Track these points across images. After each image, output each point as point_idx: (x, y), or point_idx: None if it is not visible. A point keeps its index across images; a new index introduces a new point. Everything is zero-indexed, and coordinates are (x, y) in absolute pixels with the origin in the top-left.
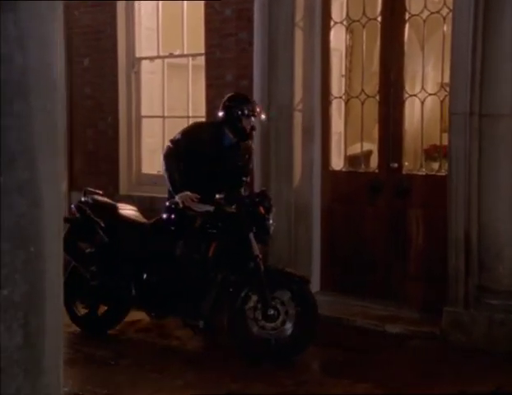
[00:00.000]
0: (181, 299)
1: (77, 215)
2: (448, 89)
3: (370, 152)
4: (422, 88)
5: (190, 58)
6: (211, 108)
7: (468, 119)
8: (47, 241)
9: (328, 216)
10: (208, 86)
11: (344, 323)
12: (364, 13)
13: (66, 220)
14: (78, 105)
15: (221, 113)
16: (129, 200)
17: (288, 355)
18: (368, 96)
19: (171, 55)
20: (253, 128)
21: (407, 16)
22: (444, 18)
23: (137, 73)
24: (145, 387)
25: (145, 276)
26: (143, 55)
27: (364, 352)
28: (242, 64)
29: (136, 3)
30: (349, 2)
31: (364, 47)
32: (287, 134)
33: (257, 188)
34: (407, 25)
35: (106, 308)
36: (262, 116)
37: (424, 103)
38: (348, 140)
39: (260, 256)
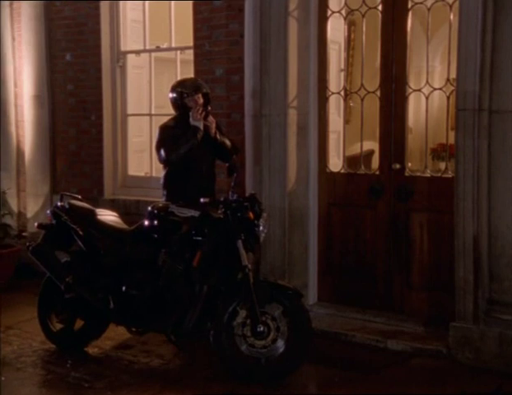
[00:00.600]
0: (163, 313)
1: (53, 221)
2: (455, 83)
3: (371, 152)
4: (427, 82)
5: (178, 52)
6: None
7: (477, 116)
8: None
9: (326, 222)
10: None
11: (342, 339)
12: (363, 2)
13: (40, 226)
14: (60, 103)
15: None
16: (114, 204)
17: (280, 375)
18: (368, 92)
19: (158, 49)
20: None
21: (409, 4)
22: (451, 6)
23: (123, 68)
24: None
25: (124, 287)
26: (128, 49)
27: (363, 371)
28: (233, 58)
29: None
30: None
31: (364, 38)
32: (281, 133)
33: (247, 192)
34: (410, 15)
35: (83, 322)
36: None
37: (429, 98)
38: (347, 139)
39: (249, 266)
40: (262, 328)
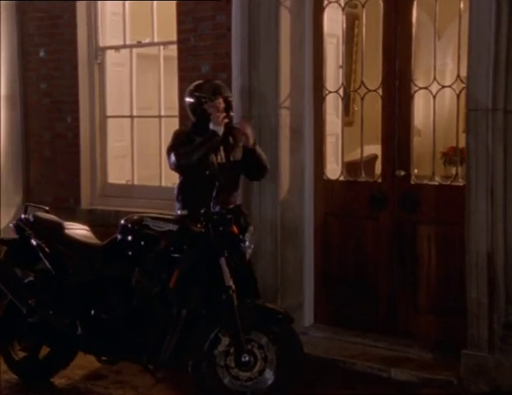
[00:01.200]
0: (137, 340)
1: (16, 235)
2: (465, 80)
3: (374, 157)
4: (434, 79)
5: (161, 47)
6: (185, 105)
7: (491, 117)
8: None
9: (323, 235)
10: (181, 80)
11: (341, 366)
12: None
13: (2, 242)
14: (33, 104)
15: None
16: (92, 214)
17: None
18: (369, 90)
19: (139, 44)
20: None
21: None
22: None
23: (101, 65)
24: None
25: (94, 310)
26: (108, 44)
27: None
28: (220, 53)
29: None
30: None
31: (364, 31)
32: (272, 136)
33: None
34: (415, 4)
35: (49, 350)
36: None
37: (436, 97)
38: (347, 143)
39: (233, 287)
40: (247, 358)
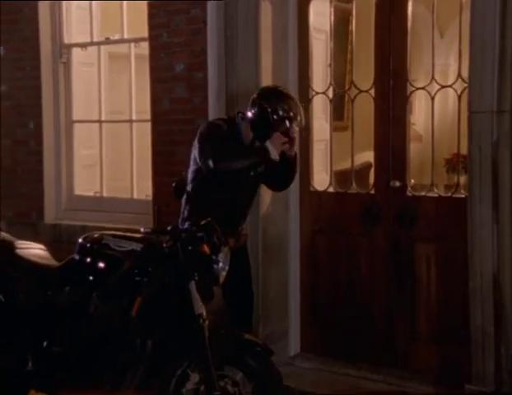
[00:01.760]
0: (95, 377)
1: None
2: (467, 79)
3: (368, 166)
4: (433, 78)
5: (132, 45)
6: (157, 109)
7: (496, 120)
8: None
9: (310, 254)
10: (153, 80)
11: None
12: None
13: None
14: None
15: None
16: (57, 230)
17: None
18: (360, 91)
19: (108, 41)
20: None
21: None
22: None
23: (67, 65)
24: None
25: (46, 342)
26: (73, 41)
27: None
28: (196, 50)
29: None
30: None
31: (354, 25)
32: None
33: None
34: None
35: None
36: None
37: (435, 98)
38: (340, 150)
39: (205, 314)
40: None
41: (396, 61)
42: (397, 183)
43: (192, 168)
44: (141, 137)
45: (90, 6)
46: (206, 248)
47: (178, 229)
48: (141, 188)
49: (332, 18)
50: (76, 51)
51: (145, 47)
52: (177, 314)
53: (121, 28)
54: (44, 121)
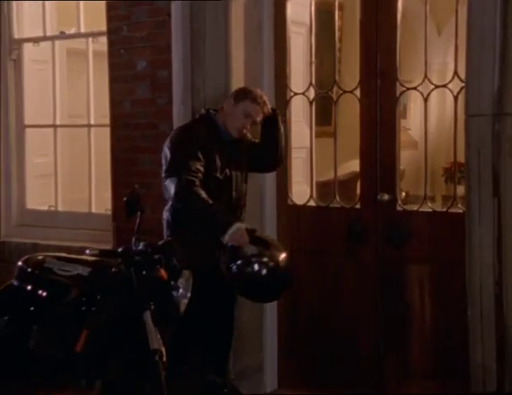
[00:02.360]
0: None
1: None
2: (464, 78)
3: (355, 176)
4: (425, 77)
5: (90, 40)
6: (117, 112)
7: (497, 124)
8: None
9: None
10: (112, 80)
11: None
12: None
13: None
14: None
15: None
16: (5, 248)
17: None
18: (344, 91)
19: (63, 35)
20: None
21: None
22: None
23: (17, 62)
24: None
25: None
26: (25, 36)
27: None
28: (160, 45)
29: None
30: None
31: (337, 18)
32: None
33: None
34: None
35: None
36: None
37: (428, 99)
38: (321, 158)
39: (162, 350)
40: None
41: (384, 57)
42: (386, 197)
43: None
44: (101, 144)
45: None
46: (163, 273)
47: (131, 250)
48: (101, 201)
49: (313, 9)
50: (27, 47)
51: (104, 42)
52: (129, 350)
53: (77, 21)
54: None
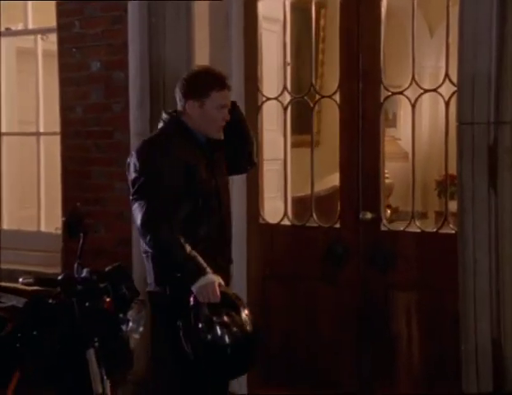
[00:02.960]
0: None
1: None
2: (456, 81)
3: (335, 192)
4: (413, 80)
5: (39, 37)
6: (68, 119)
7: (493, 133)
8: None
9: (259, 304)
10: (63, 83)
11: None
12: None
13: None
14: None
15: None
16: None
17: None
18: (322, 96)
19: (9, 31)
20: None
21: None
22: None
23: None
24: None
25: None
26: None
27: None
28: (116, 44)
29: None
30: None
31: (313, 15)
32: None
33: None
34: None
35: None
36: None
37: (416, 105)
38: (299, 171)
39: (108, 393)
40: None
41: (366, 58)
42: (369, 215)
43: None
44: (52, 155)
45: None
46: (109, 304)
47: (72, 278)
48: (51, 218)
49: (287, 3)
50: None
51: (55, 40)
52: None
53: (25, 16)
54: None
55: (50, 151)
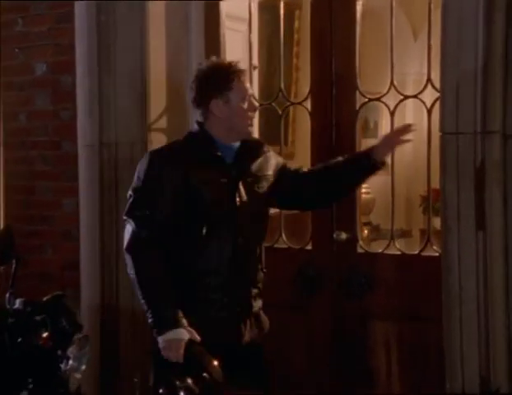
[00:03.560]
0: None
1: None
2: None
3: None
4: (392, 85)
5: None
6: (10, 127)
7: (480, 145)
8: None
9: None
10: (5, 87)
11: None
12: None
13: None
14: None
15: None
16: None
17: None
18: (291, 103)
19: None
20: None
21: None
22: None
23: None
24: None
25: None
26: None
27: None
28: (63, 44)
29: None
30: None
31: (282, 13)
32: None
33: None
34: None
35: None
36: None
37: (395, 113)
38: None
39: None
40: None
41: (340, 62)
42: (344, 236)
43: None
44: None
45: None
46: (47, 340)
47: (3, 309)
48: None
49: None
50: None
51: None
52: None
53: None
54: None
55: None
